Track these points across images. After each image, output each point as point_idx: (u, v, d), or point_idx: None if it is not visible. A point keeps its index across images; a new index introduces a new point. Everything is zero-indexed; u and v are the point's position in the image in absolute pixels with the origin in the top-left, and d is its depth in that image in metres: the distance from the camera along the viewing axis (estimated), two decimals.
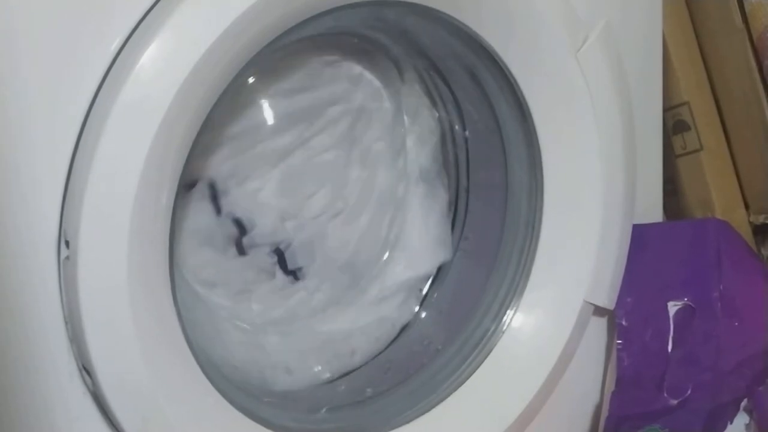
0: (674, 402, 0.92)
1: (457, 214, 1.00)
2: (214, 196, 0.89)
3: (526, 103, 0.86)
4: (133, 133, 0.65)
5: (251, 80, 0.87)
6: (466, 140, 0.97)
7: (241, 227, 0.91)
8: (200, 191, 0.88)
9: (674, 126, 1.07)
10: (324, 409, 0.90)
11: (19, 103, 0.65)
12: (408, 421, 0.86)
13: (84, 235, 0.65)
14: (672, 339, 0.93)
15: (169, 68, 0.65)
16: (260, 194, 0.91)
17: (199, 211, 0.88)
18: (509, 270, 0.92)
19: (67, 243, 0.66)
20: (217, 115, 0.71)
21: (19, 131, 0.65)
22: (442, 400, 0.87)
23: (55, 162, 0.66)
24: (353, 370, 0.96)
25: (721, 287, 0.92)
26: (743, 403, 0.95)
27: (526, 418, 0.89)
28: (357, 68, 0.92)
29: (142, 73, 0.65)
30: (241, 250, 0.92)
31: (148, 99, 0.65)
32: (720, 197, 1.06)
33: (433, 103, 0.97)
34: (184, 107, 0.66)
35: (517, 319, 0.90)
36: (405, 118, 0.95)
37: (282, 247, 0.94)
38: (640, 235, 0.93)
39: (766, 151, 1.03)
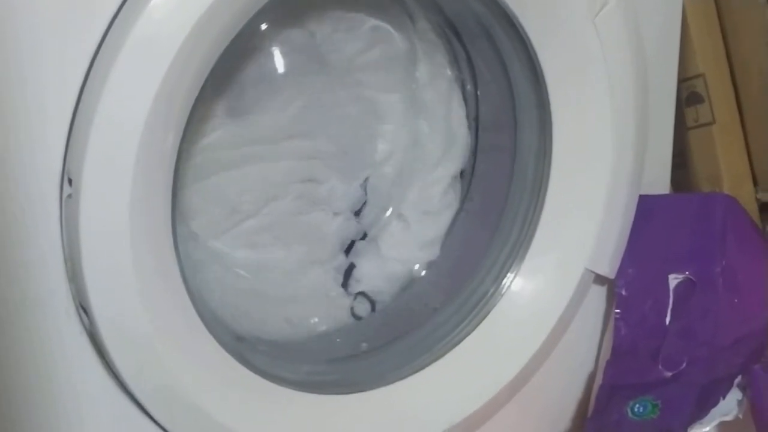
0: (668, 374, 0.92)
1: (463, 174, 0.99)
2: None
3: (540, 66, 0.85)
4: (142, 71, 0.64)
5: (264, 27, 0.86)
6: (477, 100, 0.97)
7: None
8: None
9: (687, 98, 1.05)
10: (319, 361, 0.90)
11: (28, 38, 0.64)
12: (402, 378, 0.86)
13: (87, 174, 0.65)
14: (671, 311, 0.93)
15: (183, 6, 0.64)
16: None
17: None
18: (512, 233, 0.92)
19: (70, 181, 0.66)
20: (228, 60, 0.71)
21: (27, 66, 0.64)
22: (437, 359, 0.88)
23: (61, 99, 0.65)
24: (349, 324, 0.96)
25: (724, 263, 0.92)
26: (737, 380, 0.95)
27: (520, 382, 0.89)
28: (372, 21, 0.91)
29: (156, 11, 0.64)
30: None
31: (160, 37, 0.64)
32: (729, 172, 1.05)
33: (448, 61, 0.95)
34: (195, 48, 0.65)
35: (516, 283, 0.90)
36: (419, 73, 0.94)
37: None
38: (646, 205, 0.92)
39: None
